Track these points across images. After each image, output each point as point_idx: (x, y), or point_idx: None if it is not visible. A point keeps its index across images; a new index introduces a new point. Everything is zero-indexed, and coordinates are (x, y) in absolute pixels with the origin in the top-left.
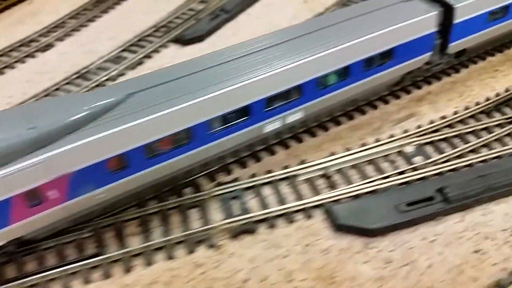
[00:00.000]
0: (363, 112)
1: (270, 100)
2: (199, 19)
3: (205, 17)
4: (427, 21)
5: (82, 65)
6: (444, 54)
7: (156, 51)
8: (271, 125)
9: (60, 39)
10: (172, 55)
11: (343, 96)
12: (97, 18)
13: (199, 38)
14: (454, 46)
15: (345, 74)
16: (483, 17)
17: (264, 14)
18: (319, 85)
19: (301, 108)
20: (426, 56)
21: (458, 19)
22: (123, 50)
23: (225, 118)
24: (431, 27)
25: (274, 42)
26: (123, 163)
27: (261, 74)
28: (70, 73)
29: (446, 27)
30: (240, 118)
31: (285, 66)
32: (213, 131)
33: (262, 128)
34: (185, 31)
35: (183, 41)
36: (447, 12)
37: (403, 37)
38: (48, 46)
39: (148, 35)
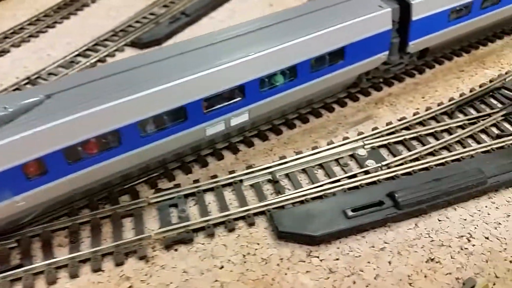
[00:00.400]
0: (318, 115)
1: (210, 100)
2: (159, 22)
3: (165, 21)
4: (380, 18)
5: (34, 70)
6: (405, 53)
7: (111, 55)
8: (214, 128)
9: (16, 45)
10: None
11: (291, 98)
12: (57, 24)
13: (156, 42)
14: (414, 45)
15: (292, 74)
16: (444, 15)
17: (228, 18)
18: (263, 86)
19: (246, 110)
20: (382, 56)
21: (416, 16)
22: (78, 55)
23: (159, 120)
24: (386, 25)
25: (217, 40)
26: (41, 169)
27: (198, 72)
28: (21, 78)
29: (404, 25)
30: (176, 120)
31: (224, 64)
32: (145, 133)
33: (203, 131)
34: (143, 35)
35: (139, 44)
36: (404, 9)
37: (354, 35)
38: (2, 52)
39: (105, 39)
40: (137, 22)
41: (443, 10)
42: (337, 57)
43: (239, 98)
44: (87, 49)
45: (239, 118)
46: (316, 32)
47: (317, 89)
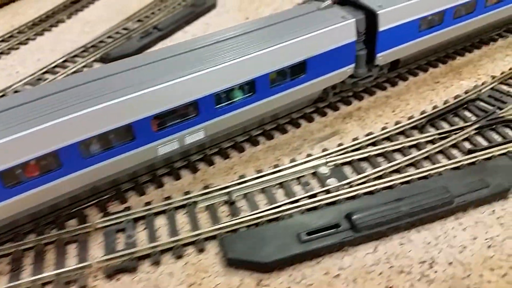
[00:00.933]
0: (283, 131)
1: (161, 118)
2: (130, 37)
3: (136, 36)
4: (343, 29)
5: (1, 88)
6: (373, 66)
7: (78, 71)
8: (167, 147)
9: None
10: None
11: (250, 114)
12: (30, 41)
13: (125, 57)
14: (382, 58)
15: (251, 89)
16: (414, 24)
17: (202, 32)
18: (220, 102)
19: (201, 128)
20: (348, 69)
21: (383, 27)
22: (46, 72)
23: (102, 140)
24: (349, 37)
25: (170, 54)
26: None
27: (146, 89)
28: None
29: (371, 36)
30: (122, 140)
31: (175, 80)
32: (88, 154)
33: (154, 150)
34: (112, 50)
35: (108, 60)
36: (370, 19)
37: (316, 48)
38: None
39: (75, 56)
40: (109, 37)
41: (413, 19)
42: (299, 71)
43: (193, 115)
44: (56, 66)
45: (194, 136)
46: (275, 45)
47: (278, 104)
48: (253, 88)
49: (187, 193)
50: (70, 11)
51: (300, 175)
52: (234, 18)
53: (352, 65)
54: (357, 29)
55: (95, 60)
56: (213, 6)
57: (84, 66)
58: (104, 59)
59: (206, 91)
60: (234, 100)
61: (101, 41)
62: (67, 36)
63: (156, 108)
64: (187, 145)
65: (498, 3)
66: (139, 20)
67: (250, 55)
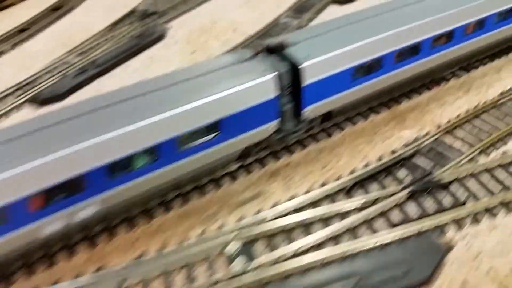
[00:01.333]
0: (202, 193)
1: (40, 196)
2: (66, 75)
3: (72, 73)
4: (263, 85)
5: None
6: (301, 121)
7: (5, 115)
8: (50, 227)
9: None
10: (22, 119)
11: (153, 183)
12: None
13: (58, 97)
14: (310, 112)
15: (154, 155)
16: (346, 74)
17: (145, 68)
18: (114, 172)
19: (92, 202)
20: (271, 126)
21: (308, 80)
22: None
23: None
24: (270, 93)
25: (60, 118)
26: None
27: (23, 164)
28: None
29: (297, 89)
30: None
31: (56, 152)
32: None
33: (36, 232)
34: (44, 90)
35: (39, 100)
36: (295, 72)
37: (232, 106)
38: None
39: (7, 95)
40: (47, 72)
41: (345, 69)
42: (213, 131)
43: (80, 190)
44: None
45: (84, 212)
46: (183, 105)
47: (188, 169)
48: (156, 154)
49: (77, 276)
50: (15, 41)
51: (205, 256)
52: (181, 51)
53: (275, 121)
54: (281, 83)
55: (27, 101)
56: (161, 37)
57: (12, 109)
58: (35, 100)
59: (94, 162)
60: (133, 168)
61: (37, 78)
62: (6, 69)
63: (32, 187)
64: (78, 222)
65: (447, 43)
66: (81, 53)
67: (152, 118)
